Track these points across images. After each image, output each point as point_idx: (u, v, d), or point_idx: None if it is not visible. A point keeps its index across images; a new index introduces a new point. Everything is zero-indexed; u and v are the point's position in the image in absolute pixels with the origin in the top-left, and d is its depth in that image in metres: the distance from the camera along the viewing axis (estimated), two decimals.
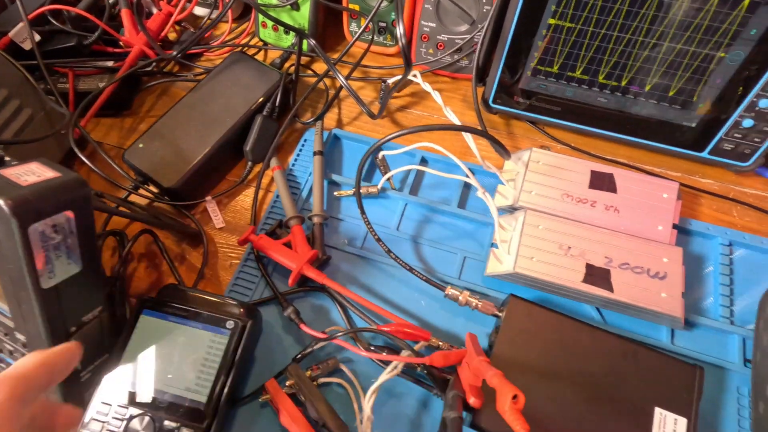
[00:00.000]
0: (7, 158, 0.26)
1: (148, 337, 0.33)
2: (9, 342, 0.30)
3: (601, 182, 0.40)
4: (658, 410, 0.33)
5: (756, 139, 0.41)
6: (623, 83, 0.42)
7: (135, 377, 0.32)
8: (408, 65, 0.42)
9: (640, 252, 0.38)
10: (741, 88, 0.39)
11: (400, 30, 0.39)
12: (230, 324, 0.33)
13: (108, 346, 0.33)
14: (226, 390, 0.31)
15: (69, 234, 0.25)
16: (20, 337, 0.28)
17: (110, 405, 0.31)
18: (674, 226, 0.39)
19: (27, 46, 0.46)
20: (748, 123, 0.40)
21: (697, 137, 0.43)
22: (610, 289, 0.37)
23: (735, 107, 0.40)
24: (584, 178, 0.41)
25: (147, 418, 0.30)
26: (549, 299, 0.40)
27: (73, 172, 0.25)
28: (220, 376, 0.32)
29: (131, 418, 0.30)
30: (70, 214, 0.25)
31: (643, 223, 0.39)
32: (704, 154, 0.43)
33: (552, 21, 0.40)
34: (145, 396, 0.31)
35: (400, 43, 0.40)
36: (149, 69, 0.51)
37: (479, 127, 0.47)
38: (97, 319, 0.30)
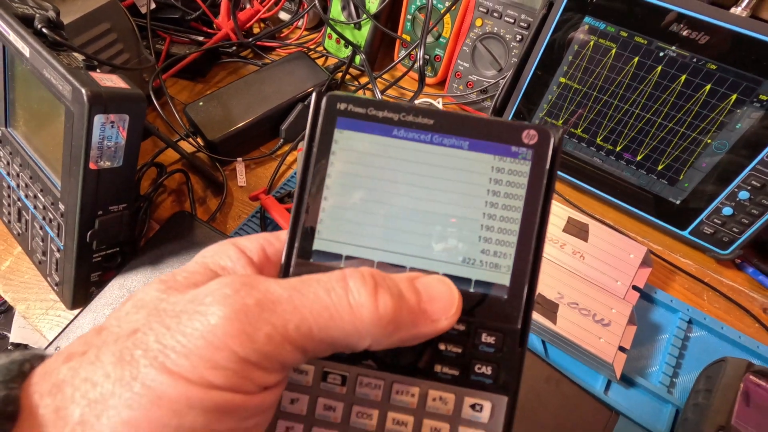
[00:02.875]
0: (97, 69, 0.35)
1: (362, 172, 0.18)
2: (52, 210, 0.37)
3: (576, 229, 0.44)
4: None
5: (734, 229, 0.43)
6: (618, 148, 0.46)
7: (356, 250, 0.18)
8: (421, 83, 0.49)
9: (591, 297, 0.41)
10: (723, 176, 0.42)
11: (420, 52, 0.46)
12: (530, 136, 0.18)
13: (122, 242, 0.40)
14: (537, 260, 0.17)
15: (120, 134, 0.33)
16: (61, 207, 0.36)
17: None
18: (635, 288, 0.42)
19: (143, 10, 0.58)
20: (727, 211, 0.42)
21: (680, 215, 0.45)
22: (554, 321, 0.40)
23: (717, 193, 0.42)
24: (561, 222, 0.44)
25: None
26: None
27: (138, 90, 0.33)
28: (526, 235, 0.17)
29: None
30: (126, 117, 0.33)
31: (604, 274, 0.42)
32: (685, 233, 0.46)
33: (563, 80, 0.45)
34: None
35: (418, 63, 0.47)
36: (229, 50, 0.62)
37: None
38: (119, 214, 0.38)
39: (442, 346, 0.17)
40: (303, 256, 0.17)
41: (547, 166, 0.17)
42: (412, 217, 0.18)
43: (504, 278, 0.17)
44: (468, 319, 0.17)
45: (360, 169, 0.18)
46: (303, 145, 0.18)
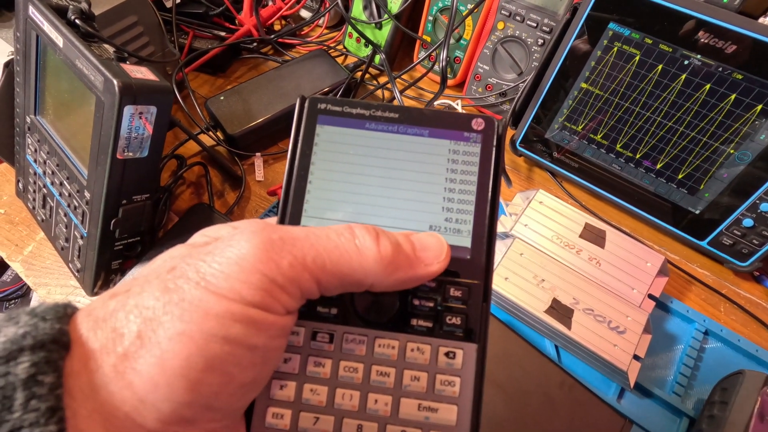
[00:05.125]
0: (127, 61, 0.35)
1: (340, 159, 0.21)
2: (77, 198, 0.38)
3: (592, 235, 0.44)
4: None
5: (755, 241, 0.42)
6: (638, 156, 0.45)
7: (337, 222, 0.20)
8: (443, 84, 0.49)
9: (607, 304, 0.40)
10: (745, 188, 0.41)
11: (444, 53, 0.46)
12: (478, 123, 0.21)
13: (143, 231, 0.41)
14: (492, 224, 0.20)
15: (147, 124, 0.34)
16: (87, 195, 0.37)
17: None
18: (651, 297, 0.42)
19: (168, 4, 0.58)
20: (748, 222, 0.42)
21: (699, 225, 0.45)
22: (569, 326, 0.39)
23: (738, 204, 0.42)
24: (578, 228, 0.44)
25: None
26: (514, 324, 0.43)
27: (167, 82, 0.34)
28: (481, 204, 0.20)
29: None
30: (154, 108, 0.33)
31: (620, 282, 0.42)
32: (704, 243, 0.45)
33: (584, 85, 0.45)
34: None
35: (441, 64, 0.47)
36: (250, 46, 0.62)
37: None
38: (143, 203, 0.38)
39: (416, 302, 0.19)
40: None
41: (494, 146, 0.21)
42: (385, 194, 0.21)
43: (465, 241, 0.20)
44: (437, 277, 0.19)
45: (339, 157, 0.21)
46: (291, 140, 0.21)
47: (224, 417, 0.16)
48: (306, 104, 0.21)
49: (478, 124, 0.21)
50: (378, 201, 0.20)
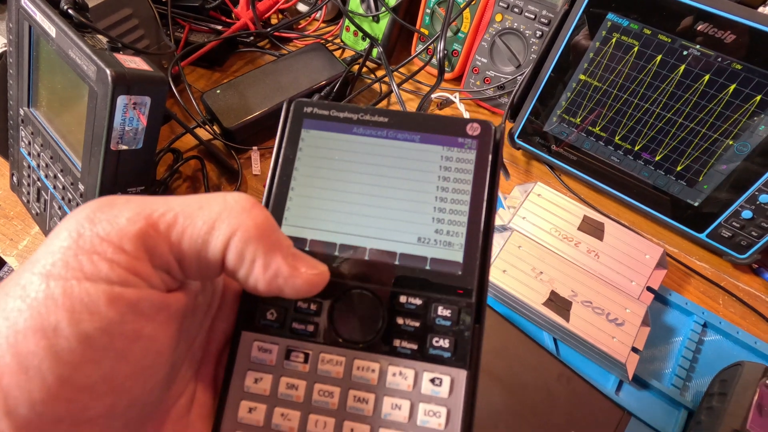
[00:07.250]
0: (120, 51, 0.35)
1: (325, 165, 0.20)
2: (71, 191, 0.38)
3: (591, 228, 0.44)
4: None
5: (753, 233, 0.42)
6: (636, 148, 0.45)
7: (320, 234, 0.19)
8: (440, 75, 0.49)
9: (605, 296, 0.40)
10: (744, 179, 0.41)
11: (441, 45, 0.46)
12: (473, 128, 0.20)
13: None
14: (488, 238, 0.19)
15: (141, 116, 0.33)
16: (81, 187, 0.37)
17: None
18: (650, 289, 0.41)
19: None
20: (747, 214, 0.42)
21: (698, 217, 0.45)
22: (567, 318, 0.39)
23: (737, 196, 0.42)
24: (576, 220, 0.44)
25: (366, 296, 0.18)
26: (512, 317, 0.43)
27: (161, 73, 0.34)
28: (475, 215, 0.19)
29: (334, 299, 0.18)
30: (148, 99, 0.33)
31: (619, 274, 0.42)
32: (702, 235, 0.45)
33: (582, 77, 0.45)
34: (348, 264, 0.19)
35: (438, 55, 0.47)
36: (247, 39, 0.62)
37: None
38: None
39: (400, 321, 0.18)
40: None
41: (491, 154, 0.19)
42: (371, 203, 0.19)
43: (457, 255, 0.18)
44: (424, 294, 0.18)
45: (324, 163, 0.20)
46: (275, 144, 0.20)
47: (76, 425, 0.13)
48: (292, 107, 0.20)
49: (473, 129, 0.19)
50: (363, 210, 0.19)
